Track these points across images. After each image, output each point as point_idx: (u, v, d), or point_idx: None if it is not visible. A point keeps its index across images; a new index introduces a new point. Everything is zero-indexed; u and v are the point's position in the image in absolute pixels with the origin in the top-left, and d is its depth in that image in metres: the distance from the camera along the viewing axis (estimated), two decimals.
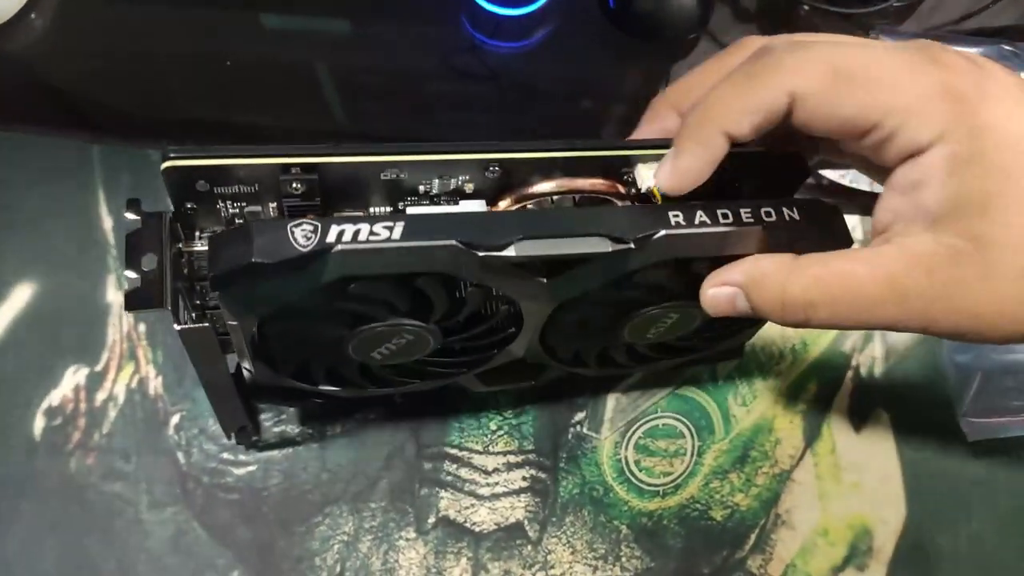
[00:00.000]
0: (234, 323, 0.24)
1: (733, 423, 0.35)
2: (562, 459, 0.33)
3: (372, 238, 0.21)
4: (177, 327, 0.23)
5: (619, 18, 0.41)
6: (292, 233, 0.21)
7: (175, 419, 0.32)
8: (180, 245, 0.24)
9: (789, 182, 0.27)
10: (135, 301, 0.22)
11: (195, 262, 0.25)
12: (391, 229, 0.21)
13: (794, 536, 0.33)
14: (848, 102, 0.21)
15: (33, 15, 0.38)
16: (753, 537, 0.33)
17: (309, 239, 0.21)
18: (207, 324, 0.24)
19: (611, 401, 0.35)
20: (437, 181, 0.24)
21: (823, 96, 0.21)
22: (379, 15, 0.42)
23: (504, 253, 0.22)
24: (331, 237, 0.21)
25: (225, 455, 0.32)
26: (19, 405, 0.32)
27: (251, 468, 0.32)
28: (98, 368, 0.32)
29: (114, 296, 0.33)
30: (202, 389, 0.27)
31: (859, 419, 0.36)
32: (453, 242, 0.21)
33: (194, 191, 0.23)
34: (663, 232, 0.23)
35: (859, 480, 0.34)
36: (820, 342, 0.37)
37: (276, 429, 0.32)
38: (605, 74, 0.42)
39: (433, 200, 0.25)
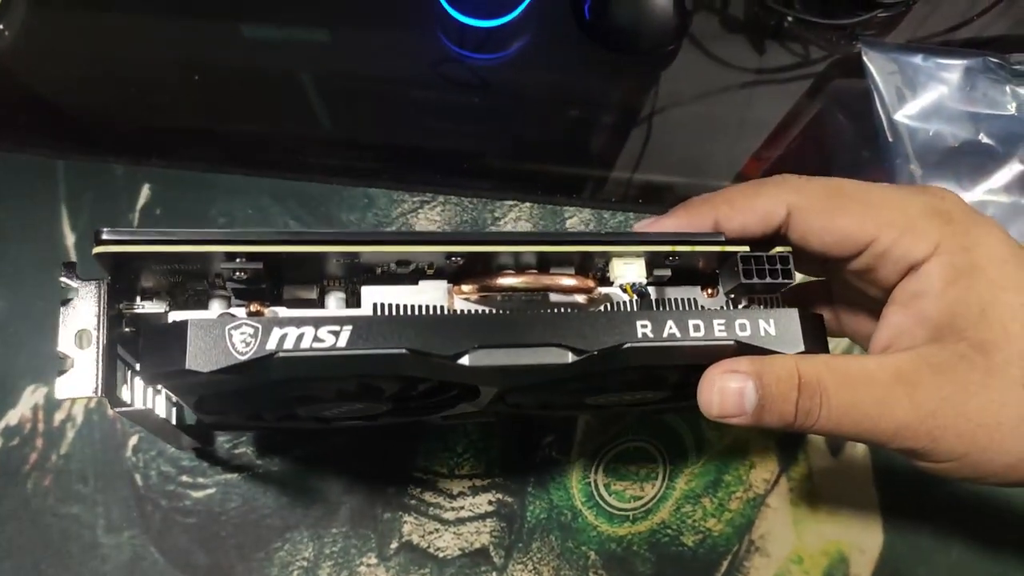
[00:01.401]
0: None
1: (706, 447, 0.34)
2: (530, 483, 0.33)
3: (316, 344, 0.20)
4: (111, 411, 0.22)
5: (595, 31, 0.40)
6: (230, 337, 0.20)
7: (133, 440, 0.31)
8: (120, 306, 0.23)
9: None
10: (66, 388, 0.21)
11: (137, 321, 0.23)
12: (336, 335, 0.20)
13: (768, 563, 0.33)
14: (844, 218, 0.22)
15: None
16: (725, 564, 0.32)
17: (248, 344, 0.20)
18: (146, 408, 0.23)
19: (581, 423, 0.34)
20: (394, 265, 0.23)
21: (820, 211, 0.23)
22: (356, 24, 0.41)
23: (458, 362, 0.21)
24: (271, 344, 0.20)
25: (184, 478, 0.31)
26: None
27: (210, 491, 0.31)
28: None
29: None
30: None
31: (836, 445, 0.35)
32: (402, 351, 0.20)
33: (132, 269, 0.22)
34: (627, 344, 0.21)
35: (835, 507, 0.34)
36: None
37: (235, 451, 0.32)
38: (582, 86, 0.42)
39: (391, 279, 0.23)
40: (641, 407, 0.31)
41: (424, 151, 0.39)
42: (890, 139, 0.40)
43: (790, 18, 0.44)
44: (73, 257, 0.34)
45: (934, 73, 0.41)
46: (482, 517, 0.32)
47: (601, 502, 0.33)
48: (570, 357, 0.21)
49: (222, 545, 0.31)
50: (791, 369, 0.21)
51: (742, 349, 0.22)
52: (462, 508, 0.32)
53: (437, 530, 0.32)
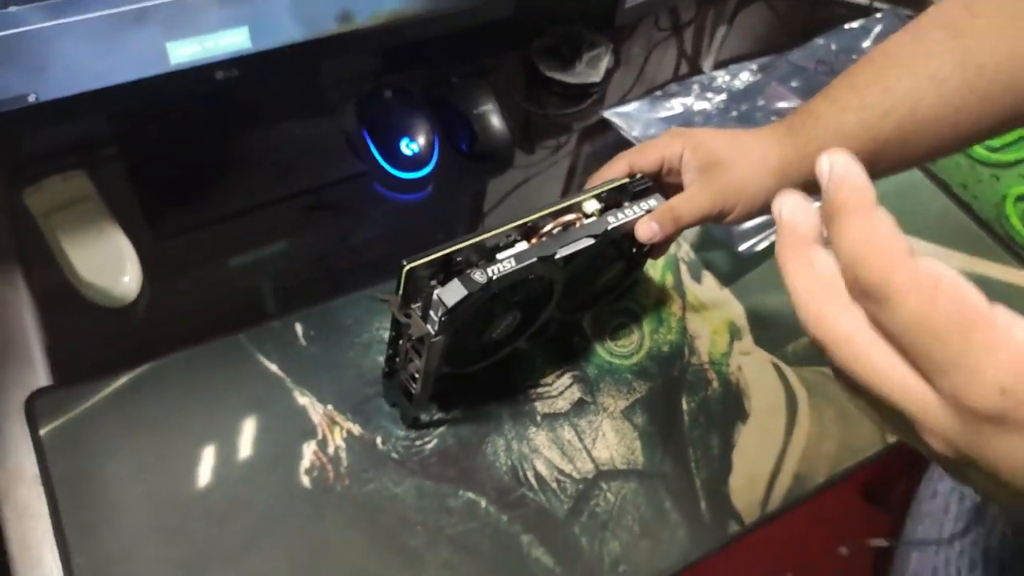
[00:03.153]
0: (436, 339, 0.48)
1: (650, 318, 0.64)
2: (580, 363, 0.60)
3: (504, 267, 0.47)
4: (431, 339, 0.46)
5: (472, 155, 0.71)
6: (472, 277, 0.46)
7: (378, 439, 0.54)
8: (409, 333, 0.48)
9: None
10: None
11: (413, 336, 0.48)
12: (510, 263, 0.47)
13: (703, 341, 0.62)
14: (654, 153, 0.53)
15: (143, 292, 0.60)
16: (686, 348, 0.62)
17: (482, 277, 0.46)
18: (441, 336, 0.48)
19: (588, 325, 0.62)
20: (502, 241, 0.49)
21: (647, 151, 0.53)
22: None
23: (555, 257, 0.49)
24: (489, 273, 0.46)
25: (414, 440, 0.54)
26: (285, 471, 0.52)
27: (435, 441, 0.54)
28: (319, 436, 0.54)
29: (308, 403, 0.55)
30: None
31: (696, 275, 0.66)
32: (535, 259, 0.48)
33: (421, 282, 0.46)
34: (609, 227, 0.50)
35: (716, 306, 0.65)
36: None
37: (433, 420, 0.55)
38: (463, 184, 0.72)
39: (502, 248, 0.49)
40: (612, 292, 0.60)
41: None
42: None
43: (546, 113, 0.79)
44: (280, 372, 0.56)
45: (646, 110, 0.78)
46: (570, 386, 0.58)
47: (612, 356, 0.61)
48: (591, 240, 0.50)
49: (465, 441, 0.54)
50: (664, 208, 0.52)
51: (648, 214, 0.52)
52: (557, 388, 0.58)
53: (554, 401, 0.57)
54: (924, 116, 0.46)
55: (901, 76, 0.47)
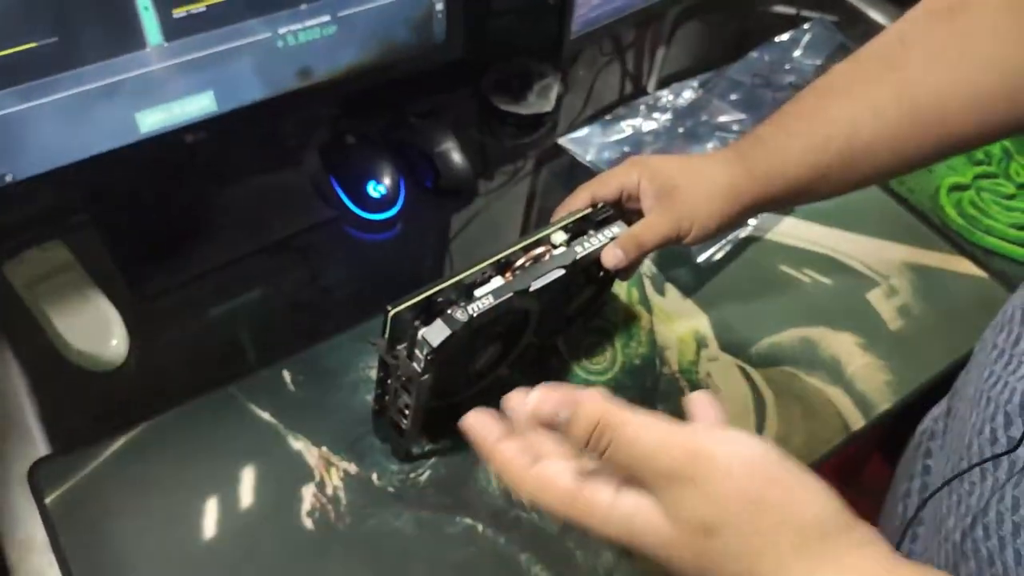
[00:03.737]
0: (424, 378, 0.50)
1: (620, 335, 0.67)
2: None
3: (483, 304, 0.49)
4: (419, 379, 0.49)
5: (436, 191, 0.74)
6: (454, 316, 0.49)
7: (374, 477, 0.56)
8: (398, 374, 0.50)
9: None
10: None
11: (401, 376, 0.50)
12: (488, 300, 0.50)
13: (672, 352, 0.66)
14: (613, 181, 0.57)
15: (131, 353, 0.61)
16: (658, 360, 0.65)
17: (463, 315, 0.49)
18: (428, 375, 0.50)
19: (562, 347, 0.65)
20: (479, 278, 0.52)
21: (610, 179, 0.56)
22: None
23: (529, 290, 0.52)
24: (470, 311, 0.49)
25: (409, 472, 0.57)
26: (288, 516, 0.54)
27: (428, 472, 0.57)
28: (317, 479, 0.56)
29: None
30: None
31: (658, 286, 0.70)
32: (510, 294, 0.51)
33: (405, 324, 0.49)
34: (577, 256, 0.53)
35: (679, 316, 0.68)
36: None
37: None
38: (430, 216, 0.75)
39: (479, 285, 0.52)
40: (584, 314, 0.63)
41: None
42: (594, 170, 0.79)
43: (505, 143, 0.83)
44: (273, 420, 0.58)
45: (598, 134, 0.81)
46: None
47: (589, 373, 0.64)
48: (561, 271, 0.53)
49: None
50: (626, 235, 0.55)
51: (612, 242, 0.56)
52: None
53: None
54: (864, 143, 0.50)
55: (842, 105, 0.50)
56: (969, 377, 0.51)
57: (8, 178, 0.54)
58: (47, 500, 0.52)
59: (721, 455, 0.30)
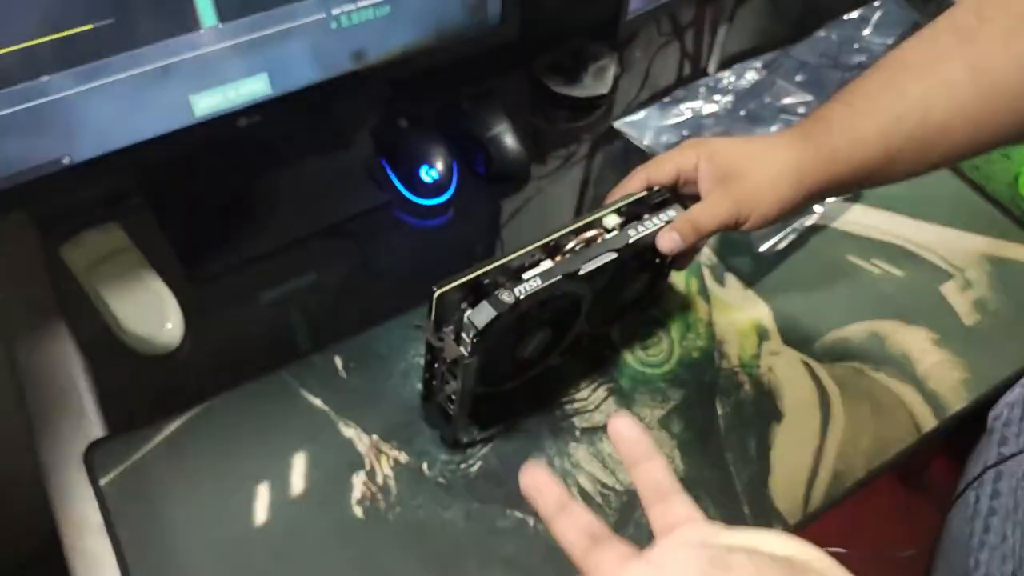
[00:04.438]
0: (470, 361, 0.49)
1: (678, 324, 0.65)
2: (612, 374, 0.61)
3: (530, 287, 0.48)
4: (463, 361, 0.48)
5: (490, 177, 0.73)
6: (500, 298, 0.47)
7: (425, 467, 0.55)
8: (444, 357, 0.49)
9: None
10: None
11: (447, 359, 0.49)
12: (536, 283, 0.48)
13: (732, 344, 0.64)
14: (669, 164, 0.54)
15: (185, 337, 0.61)
16: (715, 352, 0.63)
17: (510, 298, 0.48)
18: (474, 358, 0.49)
19: (616, 336, 0.63)
20: (527, 261, 0.50)
21: (666, 162, 0.54)
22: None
23: (579, 273, 0.50)
24: (517, 293, 0.47)
25: (460, 461, 0.56)
26: (338, 503, 0.53)
27: (479, 463, 0.56)
28: (368, 467, 0.55)
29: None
30: None
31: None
32: (559, 277, 0.49)
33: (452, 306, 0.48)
34: (630, 240, 0.51)
35: (742, 306, 0.66)
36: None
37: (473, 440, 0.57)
38: (486, 204, 0.74)
39: (527, 268, 0.50)
40: (639, 303, 0.61)
41: None
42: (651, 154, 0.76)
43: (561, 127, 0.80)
44: (324, 406, 0.58)
45: (655, 117, 0.79)
46: (606, 399, 0.60)
47: (644, 365, 0.62)
48: (613, 255, 0.51)
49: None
50: (682, 218, 0.53)
51: (668, 225, 0.54)
52: (593, 401, 0.59)
53: (591, 414, 0.59)
54: (937, 121, 0.47)
55: (913, 81, 0.47)
56: None
57: (66, 160, 0.54)
58: (102, 482, 0.52)
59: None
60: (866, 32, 0.89)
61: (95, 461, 0.53)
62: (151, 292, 0.60)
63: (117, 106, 0.54)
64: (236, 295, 0.65)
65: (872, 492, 0.58)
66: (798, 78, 0.83)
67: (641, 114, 0.80)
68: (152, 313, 0.59)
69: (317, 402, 0.58)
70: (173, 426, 0.55)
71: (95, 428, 0.55)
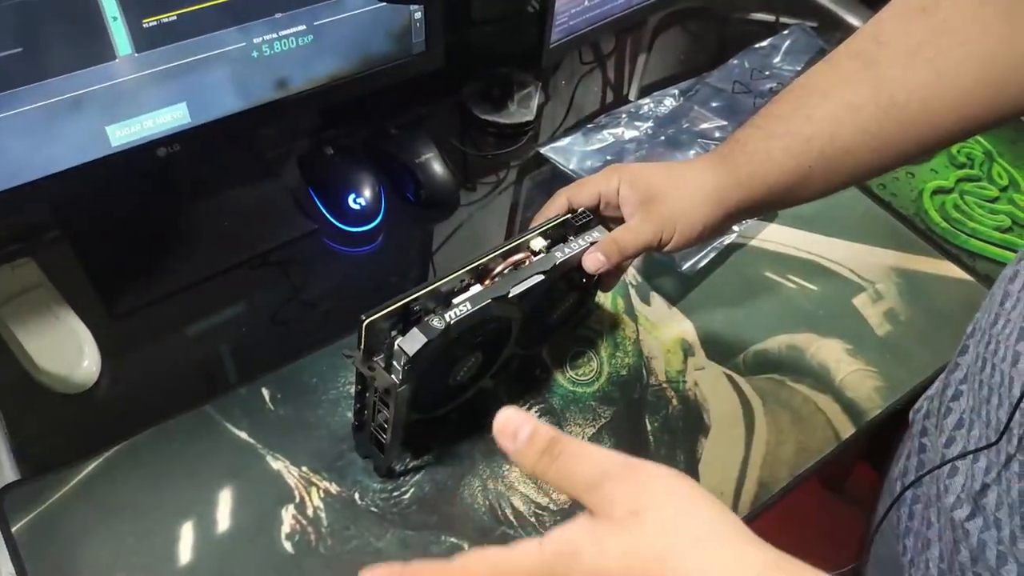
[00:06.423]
0: (402, 389, 0.49)
1: (606, 344, 0.66)
2: (544, 394, 0.62)
3: (460, 311, 0.48)
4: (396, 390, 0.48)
5: (418, 202, 0.73)
6: (431, 324, 0.47)
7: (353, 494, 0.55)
8: (375, 386, 0.49)
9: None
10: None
11: (378, 388, 0.49)
12: (466, 307, 0.48)
13: (659, 360, 0.65)
14: (590, 188, 0.56)
15: (103, 374, 0.59)
16: (644, 368, 0.64)
17: (440, 323, 0.48)
18: (406, 385, 0.49)
19: (547, 357, 0.64)
20: (456, 285, 0.51)
21: (588, 186, 0.55)
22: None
23: (508, 296, 0.50)
24: (447, 318, 0.47)
25: (392, 491, 0.55)
26: (267, 538, 0.52)
27: (411, 490, 0.55)
28: (297, 499, 0.54)
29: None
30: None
31: (644, 295, 0.69)
32: (489, 300, 0.50)
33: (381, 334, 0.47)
34: (557, 261, 0.52)
35: (665, 323, 0.67)
36: None
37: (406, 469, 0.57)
38: (413, 230, 0.74)
39: (457, 293, 0.51)
40: (568, 323, 0.62)
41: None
42: (575, 176, 0.78)
43: (488, 155, 0.82)
44: (250, 439, 0.56)
45: (580, 143, 0.81)
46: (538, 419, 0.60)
47: (575, 384, 0.63)
48: (541, 276, 0.52)
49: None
50: (607, 239, 0.54)
51: (593, 246, 0.55)
52: None
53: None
54: (845, 142, 0.49)
55: (820, 104, 0.50)
56: (963, 359, 0.52)
57: None
58: (14, 528, 0.50)
59: (652, 466, 0.32)
60: (776, 60, 0.93)
61: (6, 506, 0.51)
62: (66, 328, 0.58)
63: (28, 138, 0.53)
64: (159, 329, 0.63)
65: (797, 499, 0.60)
66: (714, 104, 0.87)
67: (566, 140, 0.82)
68: (67, 350, 0.57)
69: (243, 435, 0.56)
70: (91, 466, 0.53)
71: (7, 471, 0.53)
